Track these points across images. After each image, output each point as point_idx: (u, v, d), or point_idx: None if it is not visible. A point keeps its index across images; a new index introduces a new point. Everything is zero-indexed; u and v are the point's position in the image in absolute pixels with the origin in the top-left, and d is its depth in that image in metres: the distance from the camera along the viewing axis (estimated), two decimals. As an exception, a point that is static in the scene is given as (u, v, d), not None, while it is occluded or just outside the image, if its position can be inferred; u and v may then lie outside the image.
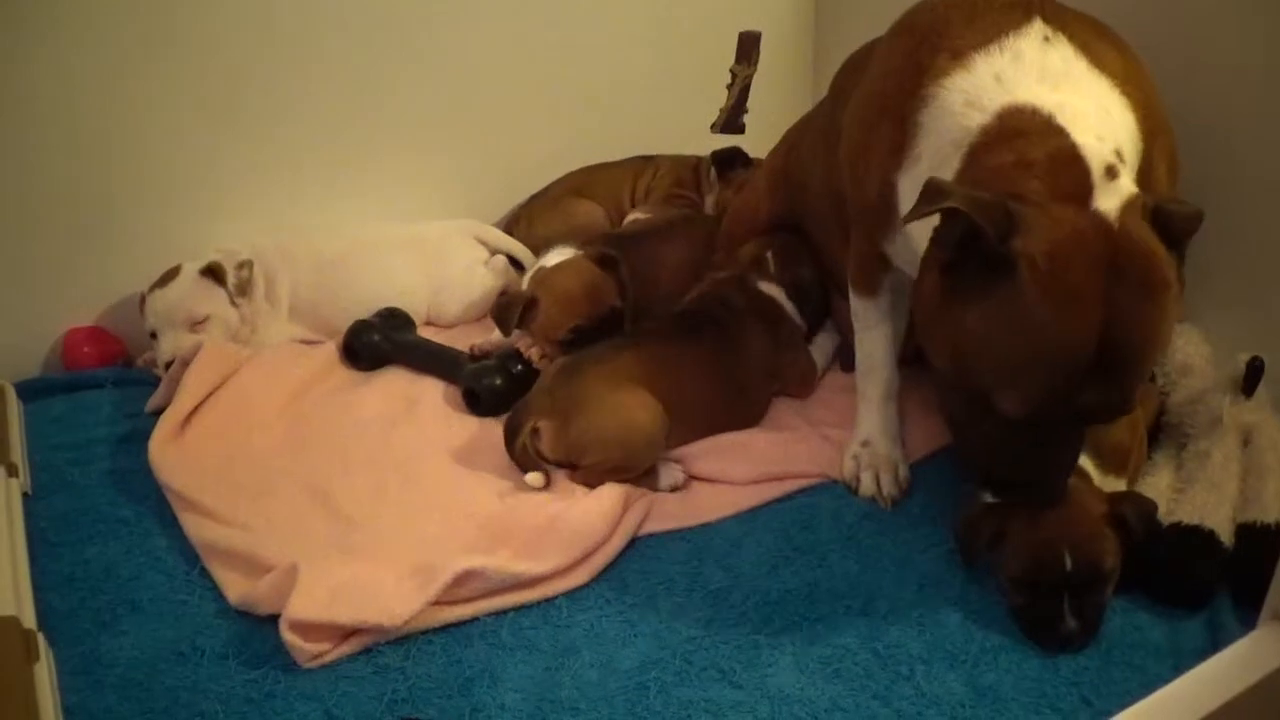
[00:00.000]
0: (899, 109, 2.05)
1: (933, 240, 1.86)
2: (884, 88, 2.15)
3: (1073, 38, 1.94)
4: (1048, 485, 1.94)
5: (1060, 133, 1.80)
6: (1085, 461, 2.08)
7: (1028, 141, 1.81)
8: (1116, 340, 1.71)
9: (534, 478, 2.34)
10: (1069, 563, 1.89)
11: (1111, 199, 1.74)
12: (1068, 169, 1.77)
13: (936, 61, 1.99)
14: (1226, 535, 2.05)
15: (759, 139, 3.43)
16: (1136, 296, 1.71)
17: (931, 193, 1.80)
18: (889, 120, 2.08)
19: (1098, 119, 1.84)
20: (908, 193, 2.03)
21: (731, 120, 3.54)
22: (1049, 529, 1.93)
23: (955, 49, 1.98)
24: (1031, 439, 1.86)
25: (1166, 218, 1.76)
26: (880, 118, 2.13)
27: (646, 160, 3.57)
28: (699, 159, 3.54)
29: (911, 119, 2.02)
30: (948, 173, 1.91)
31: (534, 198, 3.48)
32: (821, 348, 2.79)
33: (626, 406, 2.34)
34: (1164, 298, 1.74)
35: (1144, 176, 1.93)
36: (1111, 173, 1.76)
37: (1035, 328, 1.73)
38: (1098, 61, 1.93)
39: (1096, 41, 1.97)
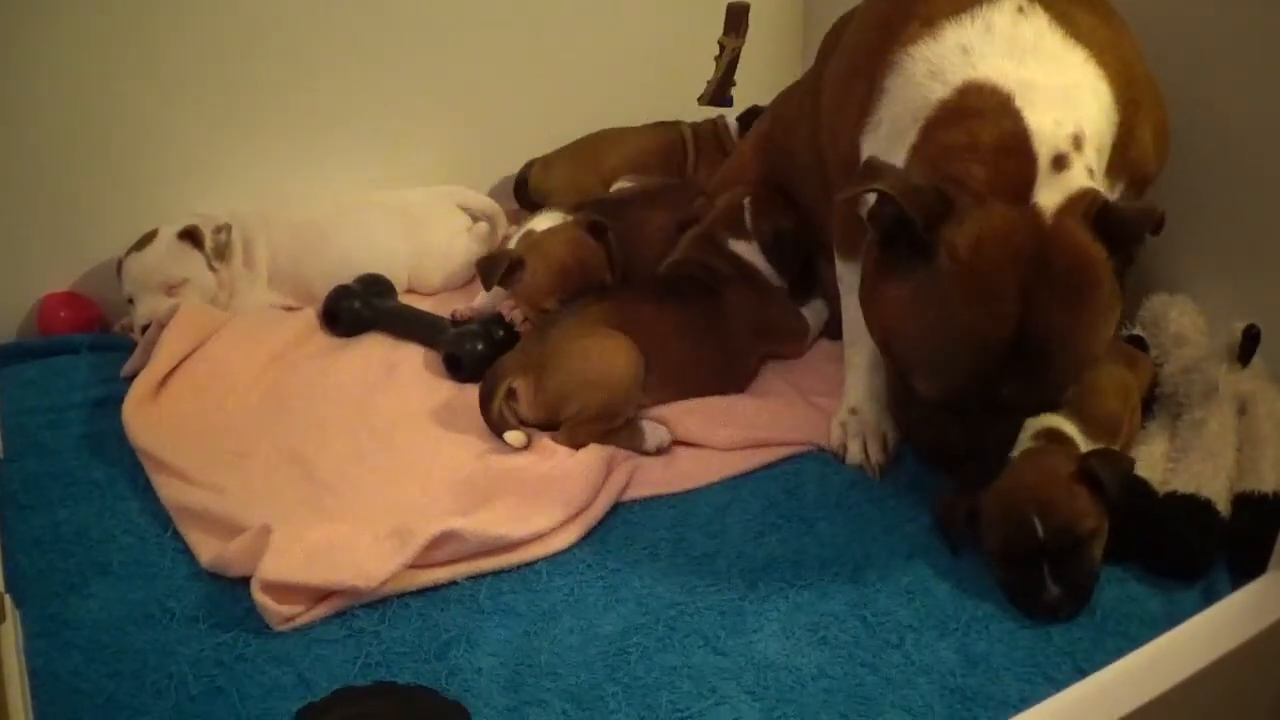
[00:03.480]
0: (869, 71, 2.04)
1: (867, 217, 1.86)
2: (858, 47, 2.16)
3: (1050, 7, 1.91)
4: (975, 468, 1.93)
5: (1015, 115, 1.79)
6: (1072, 430, 2.06)
7: (981, 122, 1.80)
8: (1035, 337, 1.72)
9: (514, 436, 2.31)
10: (1040, 528, 1.86)
11: (1053, 194, 1.74)
12: (1014, 156, 1.76)
13: (908, 27, 1.97)
14: (1223, 504, 2.02)
15: (736, 115, 3.41)
16: (1058, 295, 1.72)
17: (866, 173, 1.83)
18: (860, 80, 2.08)
19: (1060, 99, 1.82)
20: (867, 156, 2.02)
21: (719, 92, 3.51)
22: (1016, 497, 1.90)
23: (928, 15, 1.96)
24: (958, 422, 1.86)
25: (1115, 217, 1.75)
26: (853, 77, 2.13)
27: (673, 126, 3.51)
28: (714, 122, 3.50)
29: (879, 83, 2.01)
30: (904, 144, 1.91)
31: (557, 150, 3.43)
32: (814, 312, 2.74)
33: (600, 349, 2.32)
34: (1089, 298, 1.74)
35: (1123, 149, 1.93)
36: (1060, 163, 1.76)
37: (948, 315, 1.74)
38: (1075, 32, 1.89)
39: (1076, 10, 1.94)
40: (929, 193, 1.73)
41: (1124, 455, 2.04)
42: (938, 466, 2.03)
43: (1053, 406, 1.87)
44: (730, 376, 2.55)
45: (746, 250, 2.67)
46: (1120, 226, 1.75)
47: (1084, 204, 1.74)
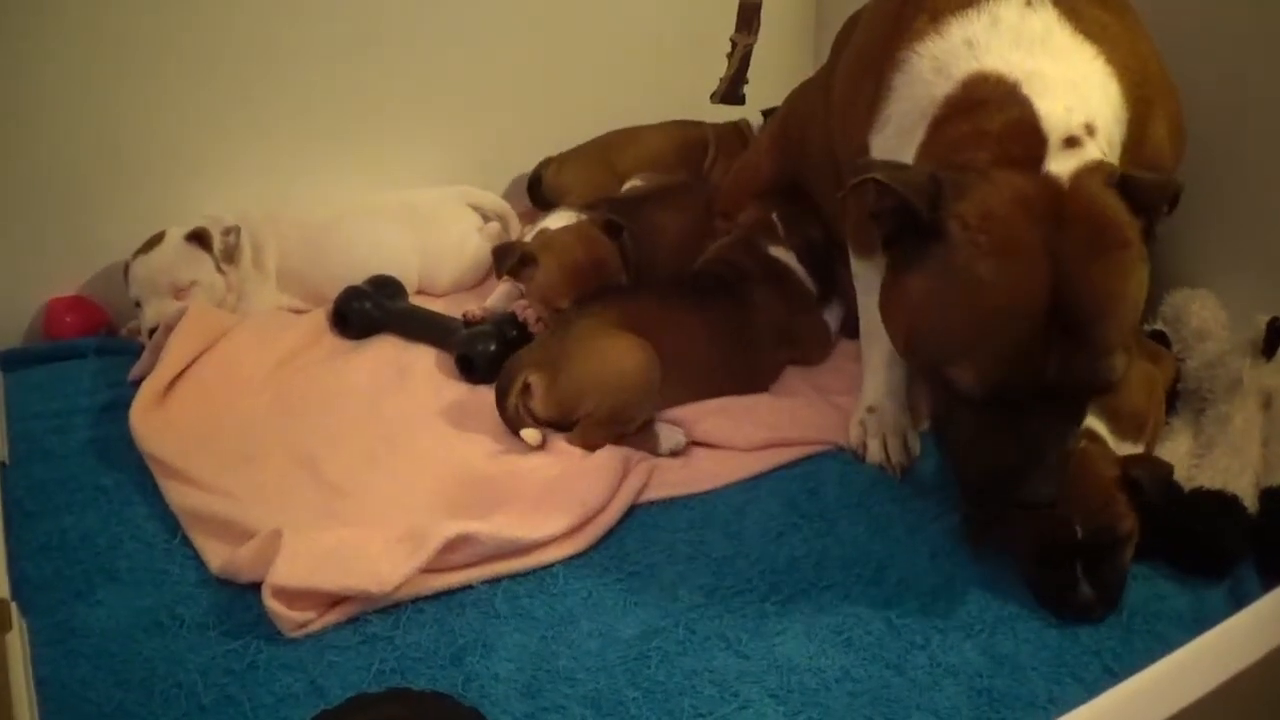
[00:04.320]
0: (877, 68, 2.01)
1: (870, 216, 1.81)
2: (867, 44, 2.14)
3: (1059, 2, 1.87)
4: (1031, 484, 1.75)
5: (1023, 102, 1.75)
6: (1100, 426, 2.03)
7: (987, 112, 1.77)
8: (1070, 302, 1.63)
9: (529, 434, 2.28)
10: (1080, 530, 1.83)
11: (1067, 163, 1.69)
12: (1022, 138, 1.72)
13: (916, 23, 1.95)
14: (1250, 500, 1.99)
15: (760, 109, 3.37)
16: (1088, 254, 1.64)
17: (857, 169, 1.78)
18: (869, 78, 2.05)
19: (1069, 89, 1.78)
20: (876, 155, 2.01)
21: (732, 90, 3.47)
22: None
23: (935, 10, 1.93)
24: (1009, 428, 1.73)
25: (1134, 186, 1.69)
26: (862, 74, 2.11)
27: (694, 126, 3.51)
28: (737, 124, 3.50)
29: (886, 80, 1.98)
30: (912, 142, 1.89)
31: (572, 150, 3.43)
32: (831, 313, 2.72)
33: (616, 351, 2.29)
34: (1121, 256, 1.67)
35: (1135, 147, 1.89)
36: (1072, 143, 1.71)
37: (973, 288, 1.66)
38: (1083, 28, 1.86)
39: (1086, 5, 1.90)
40: (922, 176, 1.69)
41: (1163, 462, 2.00)
42: (994, 490, 1.81)
43: (1102, 386, 1.73)
44: (750, 380, 2.52)
45: (786, 255, 2.67)
46: (1139, 195, 1.69)
47: (1101, 172, 1.69)
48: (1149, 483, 1.88)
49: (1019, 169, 1.69)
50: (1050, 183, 1.67)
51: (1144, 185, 1.70)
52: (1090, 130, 1.74)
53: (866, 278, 2.30)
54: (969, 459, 1.83)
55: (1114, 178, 1.69)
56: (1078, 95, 1.78)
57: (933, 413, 2.00)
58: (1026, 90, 1.76)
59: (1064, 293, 1.63)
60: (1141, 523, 1.90)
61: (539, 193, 3.32)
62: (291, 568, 1.85)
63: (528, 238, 2.79)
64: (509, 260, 2.61)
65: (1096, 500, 1.86)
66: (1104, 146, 1.76)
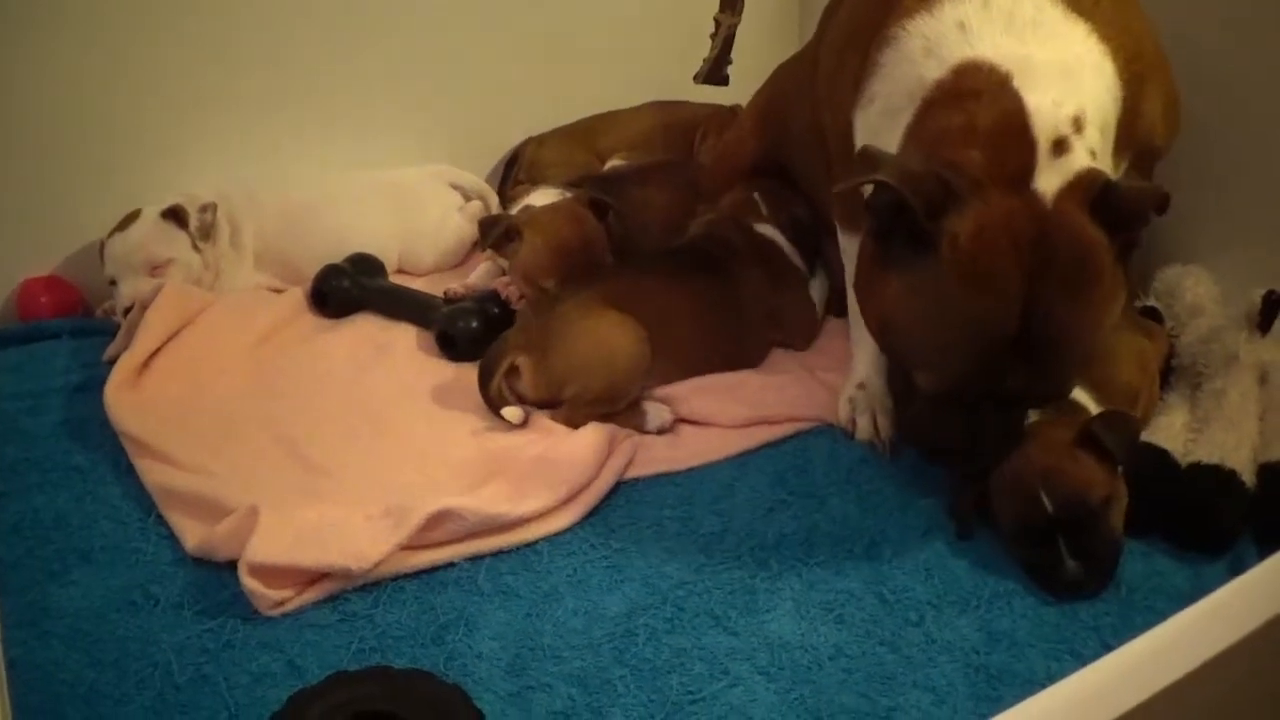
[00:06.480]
0: (865, 44, 2.00)
1: (865, 206, 1.81)
2: (855, 19, 2.13)
3: None
4: (976, 457, 1.90)
5: (1013, 95, 1.74)
6: (1087, 400, 2.01)
7: (978, 104, 1.76)
8: (1038, 328, 1.68)
9: (511, 412, 2.25)
10: (1048, 501, 1.80)
11: (1053, 179, 1.70)
12: (1012, 140, 1.72)
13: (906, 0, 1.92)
14: (1248, 475, 1.96)
15: (744, 90, 3.33)
16: (1062, 285, 1.68)
17: (864, 162, 1.78)
18: (855, 53, 2.04)
19: (1061, 77, 1.77)
20: (861, 132, 2.02)
21: (715, 71, 3.44)
22: (1021, 471, 1.85)
23: None
24: (960, 415, 1.83)
25: (1117, 198, 1.70)
26: (848, 49, 2.10)
27: (680, 107, 3.47)
28: (734, 110, 3.43)
29: (873, 56, 1.97)
30: (899, 122, 1.88)
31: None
32: (815, 291, 2.69)
33: (605, 330, 2.26)
34: (1092, 288, 1.71)
35: (1128, 123, 1.89)
36: (1061, 147, 1.71)
37: (951, 309, 1.71)
38: (1076, 6, 1.84)
39: None
40: (929, 180, 1.69)
41: (1130, 416, 1.97)
42: (937, 460, 2.01)
43: (1059, 397, 1.85)
44: (737, 357, 2.49)
45: (772, 232, 2.64)
46: (1122, 207, 1.71)
47: (1083, 187, 1.70)
48: (1111, 439, 1.84)
49: (1010, 186, 1.69)
50: (1036, 206, 1.68)
51: (1127, 197, 1.71)
52: (1079, 124, 1.74)
53: (855, 254, 2.26)
54: (915, 431, 2.00)
55: (1095, 189, 1.70)
56: (1069, 83, 1.77)
57: (890, 383, 2.06)
58: (1017, 83, 1.75)
59: (1034, 323, 1.68)
60: (1137, 497, 1.87)
61: (512, 170, 3.29)
62: (269, 545, 1.81)
63: (513, 211, 2.76)
64: (495, 232, 2.56)
65: (1058, 467, 1.83)
66: (1094, 136, 1.77)
